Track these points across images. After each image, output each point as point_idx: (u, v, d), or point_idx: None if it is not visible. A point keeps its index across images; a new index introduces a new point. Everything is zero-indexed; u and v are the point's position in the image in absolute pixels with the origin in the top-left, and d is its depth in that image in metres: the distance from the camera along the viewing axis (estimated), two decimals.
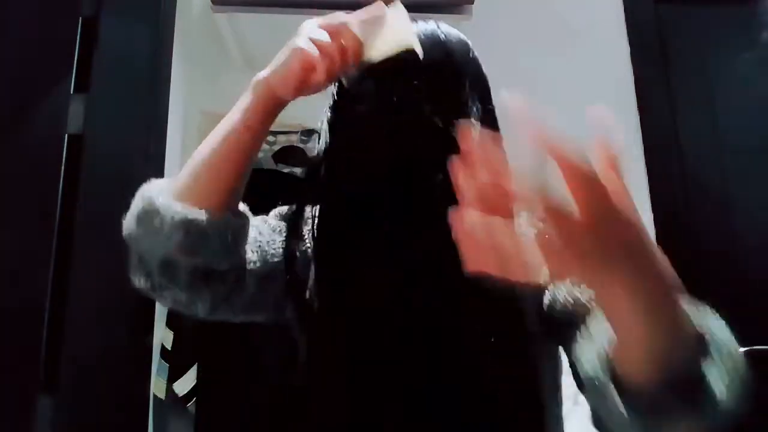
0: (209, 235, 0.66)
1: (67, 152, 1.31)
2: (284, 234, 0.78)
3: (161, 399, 1.45)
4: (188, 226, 0.64)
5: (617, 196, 0.41)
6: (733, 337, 0.54)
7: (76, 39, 1.37)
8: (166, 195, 0.67)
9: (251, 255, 0.73)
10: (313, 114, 1.74)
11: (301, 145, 1.74)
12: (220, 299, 0.70)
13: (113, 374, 1.23)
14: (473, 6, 1.48)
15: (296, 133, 1.76)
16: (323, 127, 0.78)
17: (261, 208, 1.57)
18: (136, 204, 0.68)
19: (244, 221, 0.72)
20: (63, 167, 1.30)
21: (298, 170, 1.71)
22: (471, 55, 0.76)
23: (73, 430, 1.21)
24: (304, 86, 0.68)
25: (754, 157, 1.84)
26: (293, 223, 0.78)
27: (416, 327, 0.68)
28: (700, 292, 0.61)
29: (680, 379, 0.48)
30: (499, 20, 1.81)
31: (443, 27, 0.76)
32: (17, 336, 1.21)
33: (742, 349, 0.54)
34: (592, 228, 0.40)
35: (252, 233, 0.74)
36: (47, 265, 1.24)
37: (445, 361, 0.67)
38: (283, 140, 1.75)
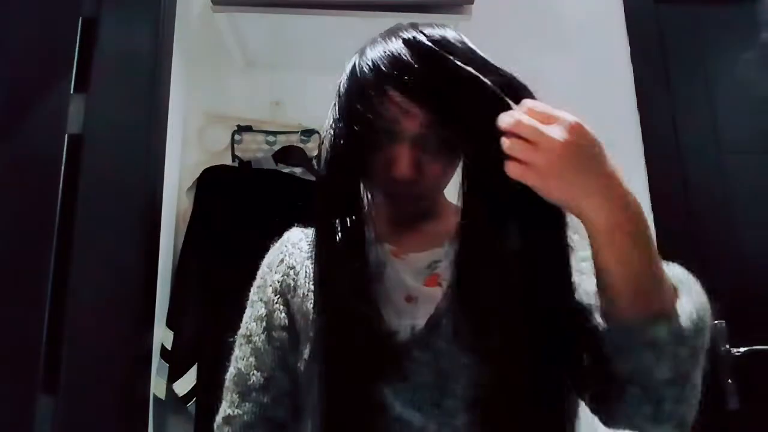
0: None
1: (67, 152, 1.31)
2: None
3: (161, 399, 1.45)
4: None
5: (575, 125, 0.54)
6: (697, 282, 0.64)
7: (76, 39, 1.37)
8: None
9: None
10: (313, 114, 1.75)
11: (301, 145, 1.74)
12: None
13: (113, 374, 1.23)
14: (473, 6, 1.48)
15: (296, 133, 1.76)
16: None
17: (261, 208, 1.57)
18: None
19: None
20: (63, 167, 1.29)
21: (298, 170, 1.71)
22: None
23: (73, 430, 1.21)
24: None
25: (754, 157, 1.84)
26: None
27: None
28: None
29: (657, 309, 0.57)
30: (499, 20, 1.81)
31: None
32: (17, 336, 1.21)
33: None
34: (564, 146, 0.53)
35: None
36: (47, 265, 1.23)
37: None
38: (283, 140, 1.75)
